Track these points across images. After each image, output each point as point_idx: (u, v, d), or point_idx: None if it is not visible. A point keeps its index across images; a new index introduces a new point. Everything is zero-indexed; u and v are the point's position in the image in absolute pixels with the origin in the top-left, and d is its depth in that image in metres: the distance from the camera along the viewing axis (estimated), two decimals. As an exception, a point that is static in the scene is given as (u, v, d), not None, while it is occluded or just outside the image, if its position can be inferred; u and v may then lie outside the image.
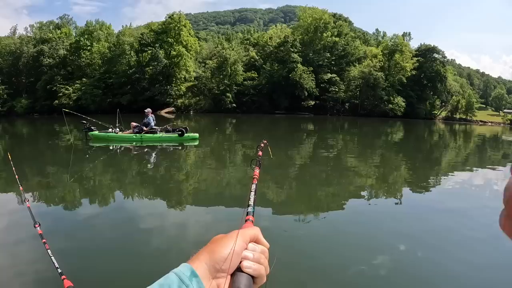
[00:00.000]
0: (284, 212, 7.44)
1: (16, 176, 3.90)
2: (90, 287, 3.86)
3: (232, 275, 0.70)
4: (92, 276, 4.17)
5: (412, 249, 5.51)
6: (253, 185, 1.10)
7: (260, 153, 1.45)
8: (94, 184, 9.88)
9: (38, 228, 2.85)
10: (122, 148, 16.03)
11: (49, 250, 2.51)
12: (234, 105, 55.34)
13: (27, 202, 3.36)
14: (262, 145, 1.60)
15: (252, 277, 0.71)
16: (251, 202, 1.01)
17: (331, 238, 6.01)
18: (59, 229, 5.85)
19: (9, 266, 4.55)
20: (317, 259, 5.03)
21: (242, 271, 0.70)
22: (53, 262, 2.38)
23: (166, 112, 52.67)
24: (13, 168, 4.14)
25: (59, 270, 2.30)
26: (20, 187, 3.78)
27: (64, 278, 2.21)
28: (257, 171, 1.25)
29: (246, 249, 0.74)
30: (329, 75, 59.66)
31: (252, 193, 1.05)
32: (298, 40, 60.05)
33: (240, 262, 0.71)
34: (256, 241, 0.78)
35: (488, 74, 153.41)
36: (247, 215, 0.95)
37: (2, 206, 7.56)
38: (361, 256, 5.11)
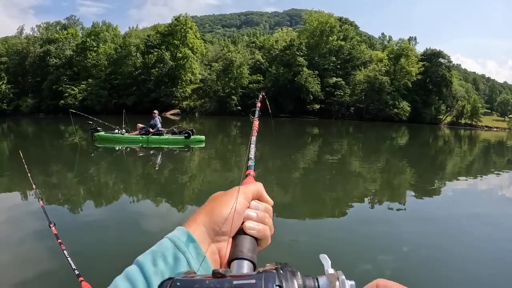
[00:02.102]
0: (288, 215, 7.43)
1: (29, 175, 3.91)
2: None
3: (234, 237, 0.63)
4: (109, 278, 4.16)
5: (416, 252, 5.50)
6: (253, 137, 1.04)
7: (259, 104, 1.41)
8: (102, 185, 9.93)
9: (53, 228, 2.87)
10: (128, 150, 16.07)
11: (65, 251, 2.53)
12: (239, 107, 55.35)
13: (41, 201, 3.37)
14: (261, 96, 1.56)
15: (256, 239, 0.64)
16: (252, 155, 0.95)
17: (335, 242, 6.01)
18: (71, 229, 5.88)
19: (25, 266, 4.58)
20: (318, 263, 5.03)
21: (245, 233, 0.63)
22: (70, 264, 2.40)
23: (171, 114, 52.78)
24: (26, 166, 4.15)
25: (76, 272, 2.32)
26: (33, 185, 3.79)
27: (81, 280, 2.23)
28: (256, 122, 1.20)
29: (248, 207, 0.67)
30: (335, 79, 59.53)
31: (253, 146, 1.00)
32: (304, 43, 60.01)
33: (243, 222, 0.64)
34: (259, 198, 0.71)
35: (494, 79, 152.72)
36: (247, 169, 0.87)
37: (17, 204, 7.65)
38: (366, 258, 5.12)
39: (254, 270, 0.58)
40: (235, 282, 0.42)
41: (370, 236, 6.25)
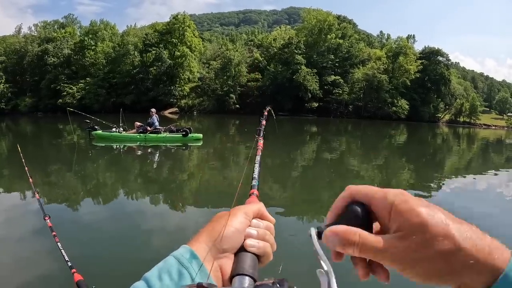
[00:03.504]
0: (287, 214, 7.43)
1: (26, 168, 3.92)
2: (99, 281, 3.89)
3: (236, 254, 0.65)
4: (100, 270, 4.20)
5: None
6: (257, 157, 1.05)
7: (264, 122, 1.38)
8: (99, 183, 9.92)
9: (48, 221, 2.87)
10: (126, 148, 16.04)
11: (59, 243, 2.53)
12: (237, 106, 55.37)
13: (37, 194, 3.38)
14: (266, 112, 1.52)
15: (258, 256, 0.66)
16: (256, 175, 0.96)
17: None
18: (66, 223, 5.90)
19: (19, 258, 4.62)
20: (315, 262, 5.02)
21: (246, 250, 0.65)
22: (63, 255, 2.40)
23: (169, 113, 52.78)
24: (23, 160, 4.16)
25: (69, 264, 2.32)
26: (30, 179, 3.80)
27: (74, 272, 2.23)
28: (261, 141, 1.19)
29: (249, 226, 0.69)
30: (333, 77, 59.60)
31: (257, 165, 1.00)
32: (302, 41, 60.01)
33: (244, 240, 0.67)
34: (260, 216, 0.73)
35: (492, 78, 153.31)
36: (251, 189, 0.89)
37: (13, 197, 7.73)
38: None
39: None
40: None
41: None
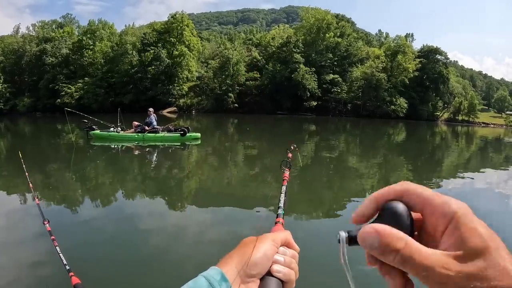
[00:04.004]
0: (285, 213, 7.43)
1: (27, 174, 3.94)
2: (97, 284, 3.89)
3: (262, 279, 0.68)
4: (98, 273, 4.21)
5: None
6: (283, 186, 1.09)
7: (290, 155, 1.44)
8: (97, 183, 9.91)
9: (47, 225, 2.88)
10: (124, 148, 16.03)
11: (57, 247, 2.53)
12: (236, 105, 55.42)
13: (37, 199, 3.39)
14: (292, 148, 1.59)
15: (282, 281, 0.69)
16: (281, 204, 0.99)
17: (333, 239, 6.00)
18: (65, 227, 5.90)
19: (18, 262, 4.62)
20: (317, 261, 5.04)
21: (272, 275, 0.68)
22: (62, 259, 2.41)
23: (168, 112, 52.76)
24: (24, 166, 4.17)
25: (67, 267, 2.32)
26: (30, 184, 3.81)
27: (72, 275, 2.23)
28: (287, 172, 1.24)
29: (277, 253, 0.72)
30: (332, 76, 59.68)
31: (282, 195, 1.03)
32: (300, 40, 60.12)
33: (271, 266, 0.69)
34: (287, 245, 0.76)
35: (491, 76, 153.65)
36: (277, 217, 0.92)
37: (13, 202, 7.70)
38: (364, 255, 5.11)
39: None
40: None
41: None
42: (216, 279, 0.63)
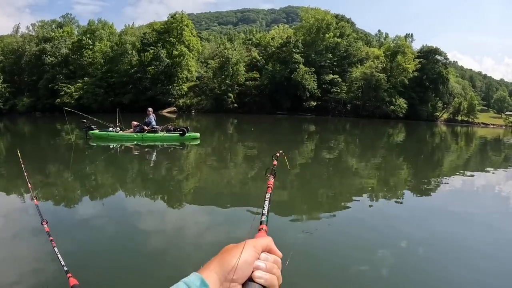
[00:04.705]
0: (285, 213, 7.43)
1: (25, 174, 3.92)
2: (94, 286, 3.88)
3: (244, 284, 0.69)
4: (96, 275, 4.20)
5: (414, 250, 5.50)
6: (267, 194, 1.08)
7: (275, 162, 1.43)
8: (96, 183, 9.89)
9: (45, 226, 2.86)
10: (123, 147, 16.01)
11: (55, 248, 2.52)
12: (235, 105, 55.39)
13: (35, 200, 3.37)
14: (278, 154, 1.58)
15: (264, 287, 0.70)
16: (265, 211, 0.99)
17: (332, 238, 6.01)
18: (64, 227, 5.89)
19: (16, 262, 4.61)
20: (319, 260, 5.03)
21: (254, 281, 0.69)
22: (60, 260, 2.39)
23: (167, 112, 52.69)
24: (23, 166, 4.15)
25: (65, 268, 2.31)
26: (29, 184, 3.80)
27: (70, 276, 2.22)
28: (271, 180, 1.24)
29: (258, 258, 0.73)
30: (331, 76, 59.69)
31: (267, 202, 1.03)
32: (300, 40, 60.11)
33: (252, 272, 0.70)
34: (268, 251, 0.77)
35: (491, 76, 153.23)
36: (260, 224, 0.93)
37: (12, 202, 7.69)
38: (363, 255, 5.11)
39: None
40: None
41: (367, 233, 6.25)
42: (196, 284, 0.64)
